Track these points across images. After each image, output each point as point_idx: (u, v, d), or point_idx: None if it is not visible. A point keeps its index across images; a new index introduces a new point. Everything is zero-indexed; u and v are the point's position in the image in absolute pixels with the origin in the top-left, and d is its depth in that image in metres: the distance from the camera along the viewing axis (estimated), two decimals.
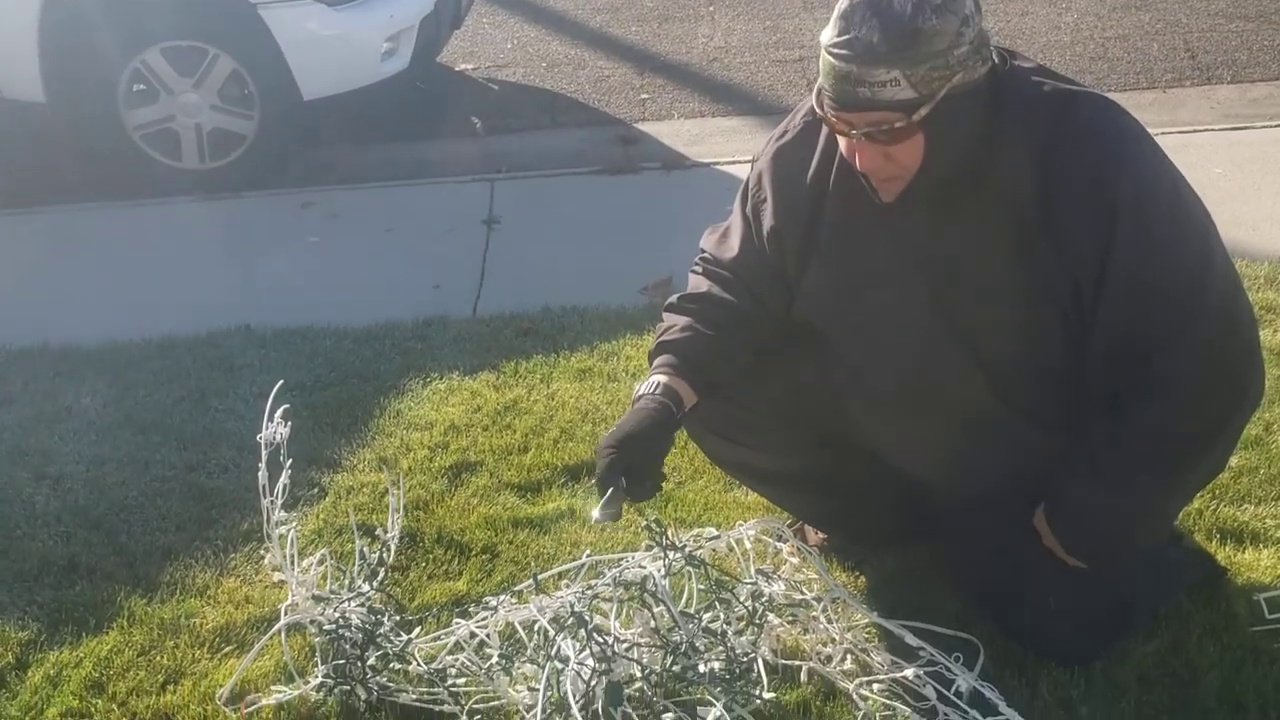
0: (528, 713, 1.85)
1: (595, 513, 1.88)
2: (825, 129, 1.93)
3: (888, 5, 1.68)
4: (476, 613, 2.04)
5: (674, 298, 2.09)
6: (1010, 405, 1.93)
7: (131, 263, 4.03)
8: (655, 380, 1.97)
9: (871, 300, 1.94)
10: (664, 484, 1.98)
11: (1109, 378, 1.84)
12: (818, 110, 1.81)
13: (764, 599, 1.99)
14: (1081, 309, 1.81)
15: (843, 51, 1.71)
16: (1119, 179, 1.76)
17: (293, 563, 2.03)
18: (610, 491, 1.88)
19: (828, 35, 1.74)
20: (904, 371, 1.96)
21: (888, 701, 1.88)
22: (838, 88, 1.73)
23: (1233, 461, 2.45)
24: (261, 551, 2.34)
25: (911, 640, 1.92)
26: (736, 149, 4.60)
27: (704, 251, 2.12)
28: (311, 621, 2.01)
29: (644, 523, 1.99)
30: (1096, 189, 1.76)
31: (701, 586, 2.00)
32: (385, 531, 2.13)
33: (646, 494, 1.93)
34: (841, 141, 1.82)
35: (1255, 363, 1.86)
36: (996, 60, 1.80)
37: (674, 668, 1.85)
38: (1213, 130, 4.44)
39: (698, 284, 2.09)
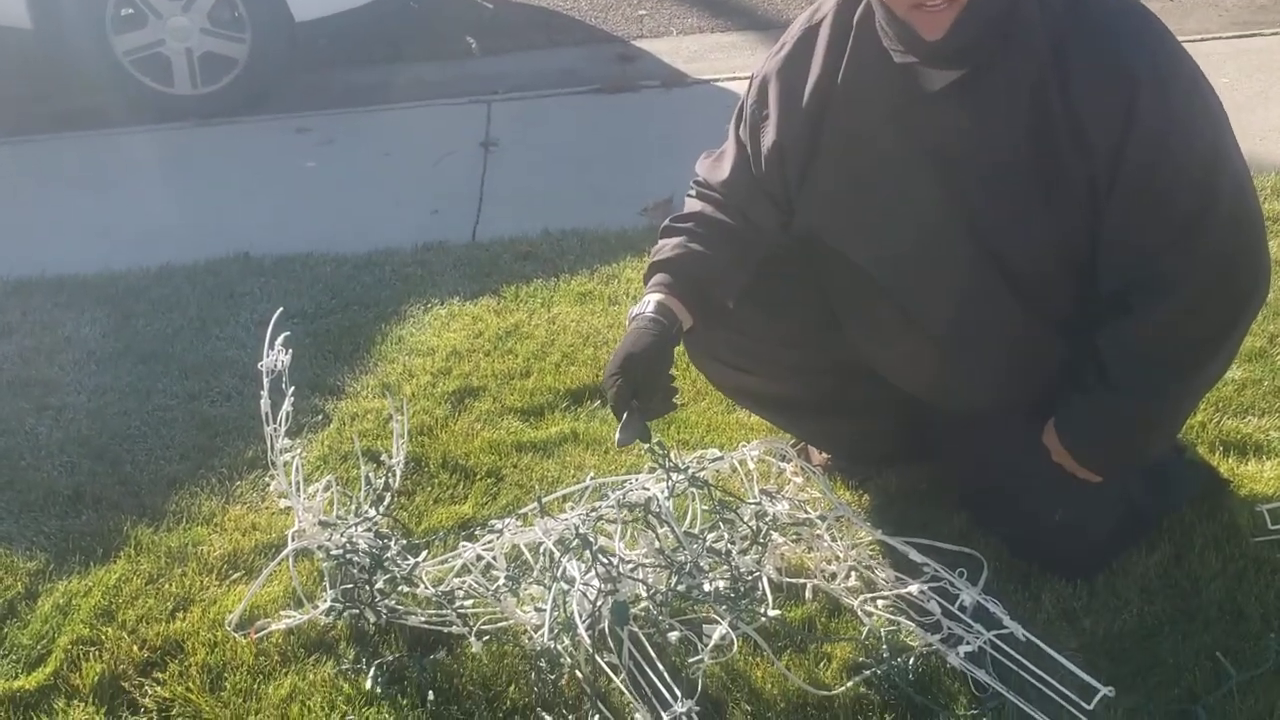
0: (535, 632, 1.87)
1: (616, 436, 1.89)
2: (823, 40, 1.89)
3: None
4: (482, 536, 2.05)
5: (667, 220, 2.07)
6: (1024, 305, 1.91)
7: (126, 191, 3.99)
8: (649, 299, 1.97)
9: (881, 195, 1.92)
10: (678, 397, 1.97)
11: (1116, 280, 1.83)
12: None
13: (768, 518, 1.99)
14: (1096, 202, 1.79)
15: None
16: (1138, 57, 1.74)
17: (298, 489, 2.03)
18: (626, 414, 1.88)
19: None
20: (916, 272, 1.94)
21: (892, 617, 1.90)
22: None
23: (1236, 374, 2.45)
24: (267, 479, 2.34)
25: (915, 556, 1.93)
26: (736, 65, 4.53)
27: (698, 176, 2.10)
28: (319, 547, 2.02)
29: (647, 445, 1.99)
30: (1116, 66, 1.74)
31: (705, 507, 2.01)
32: (390, 457, 2.13)
33: (661, 409, 1.93)
34: None
35: (1263, 260, 1.84)
36: None
37: (679, 587, 1.86)
38: (1220, 38, 4.37)
39: (690, 205, 2.08)
